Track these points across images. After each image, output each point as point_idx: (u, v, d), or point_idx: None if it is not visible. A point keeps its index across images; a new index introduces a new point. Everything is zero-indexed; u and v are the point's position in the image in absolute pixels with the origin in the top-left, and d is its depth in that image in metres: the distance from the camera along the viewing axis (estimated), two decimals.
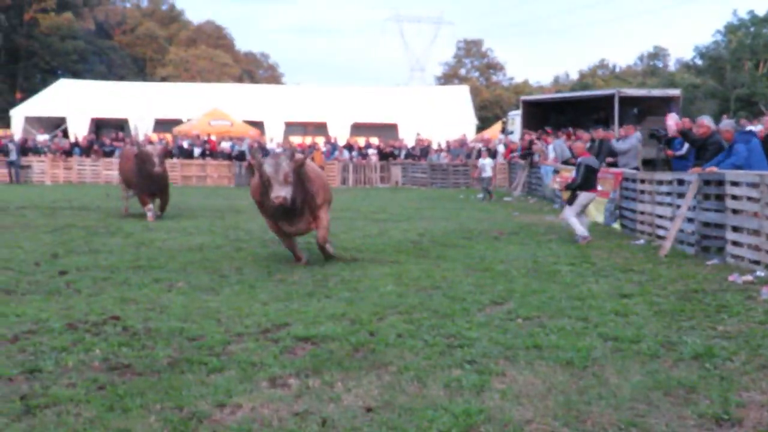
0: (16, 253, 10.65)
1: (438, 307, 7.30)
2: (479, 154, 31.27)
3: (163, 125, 39.10)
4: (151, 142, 29.48)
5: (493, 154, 31.84)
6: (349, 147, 35.95)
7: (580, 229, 12.59)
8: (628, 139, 17.03)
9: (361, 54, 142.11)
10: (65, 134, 39.23)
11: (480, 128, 45.23)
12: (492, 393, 4.89)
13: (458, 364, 5.49)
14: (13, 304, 7.31)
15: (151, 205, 15.99)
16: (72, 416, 4.44)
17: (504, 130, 36.85)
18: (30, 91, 55.76)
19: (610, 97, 25.40)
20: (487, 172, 24.30)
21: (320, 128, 40.79)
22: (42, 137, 37.40)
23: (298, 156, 9.55)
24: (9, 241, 11.81)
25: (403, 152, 35.05)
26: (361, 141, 37.87)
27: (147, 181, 15.93)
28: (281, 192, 8.99)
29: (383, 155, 34.60)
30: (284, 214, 9.55)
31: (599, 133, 18.57)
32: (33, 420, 4.40)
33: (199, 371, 5.31)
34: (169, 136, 37.27)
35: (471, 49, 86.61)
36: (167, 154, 16.87)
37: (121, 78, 61.90)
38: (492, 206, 21.14)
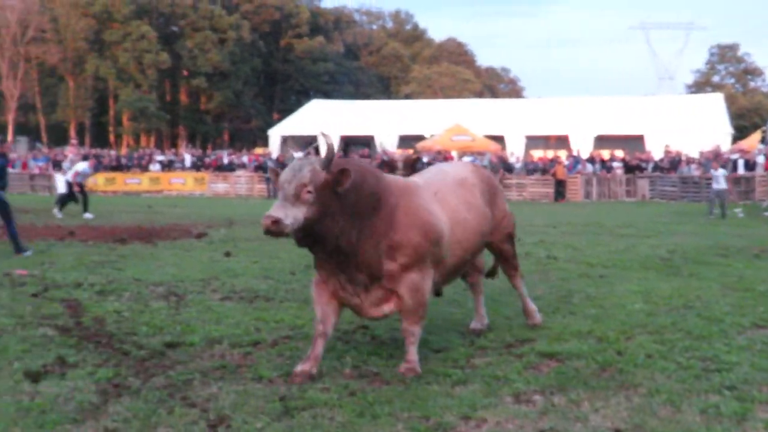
0: (274, 263, 11.39)
1: (692, 328, 6.89)
2: (734, 166, 29.25)
3: (406, 141, 40.27)
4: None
5: (751, 166, 29.75)
6: (592, 160, 35.07)
7: None
8: None
9: (605, 64, 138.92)
10: (317, 152, 41.62)
11: (736, 138, 42.29)
12: (755, 422, 4.54)
13: (716, 389, 5.14)
14: (273, 311, 7.84)
15: None
16: (326, 420, 4.66)
17: (764, 140, 34.35)
18: (285, 112, 59.95)
19: None
20: (721, 184, 22.10)
21: (562, 141, 40.11)
22: (296, 155, 39.92)
23: (340, 167, 5.60)
24: (269, 252, 12.65)
25: (651, 165, 33.63)
26: (605, 154, 36.81)
27: None
28: (276, 211, 5.23)
29: (629, 168, 33.45)
30: (331, 260, 5.72)
31: None
32: (291, 421, 4.66)
33: (444, 383, 5.38)
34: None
35: (725, 54, 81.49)
36: (415, 161, 17.24)
37: (368, 97, 64.83)
38: (751, 221, 19.68)
